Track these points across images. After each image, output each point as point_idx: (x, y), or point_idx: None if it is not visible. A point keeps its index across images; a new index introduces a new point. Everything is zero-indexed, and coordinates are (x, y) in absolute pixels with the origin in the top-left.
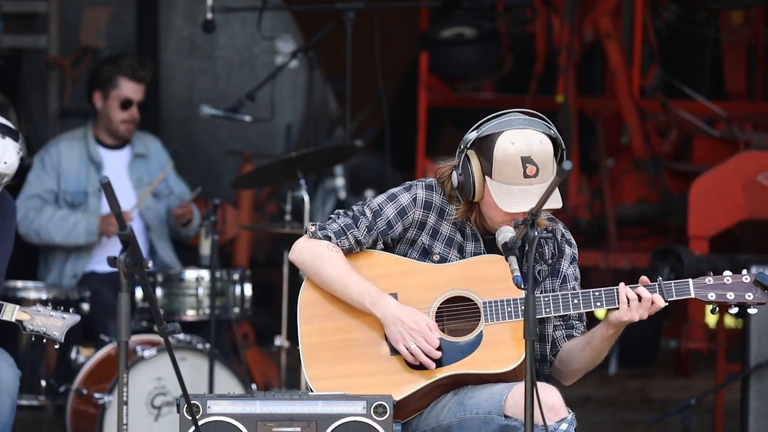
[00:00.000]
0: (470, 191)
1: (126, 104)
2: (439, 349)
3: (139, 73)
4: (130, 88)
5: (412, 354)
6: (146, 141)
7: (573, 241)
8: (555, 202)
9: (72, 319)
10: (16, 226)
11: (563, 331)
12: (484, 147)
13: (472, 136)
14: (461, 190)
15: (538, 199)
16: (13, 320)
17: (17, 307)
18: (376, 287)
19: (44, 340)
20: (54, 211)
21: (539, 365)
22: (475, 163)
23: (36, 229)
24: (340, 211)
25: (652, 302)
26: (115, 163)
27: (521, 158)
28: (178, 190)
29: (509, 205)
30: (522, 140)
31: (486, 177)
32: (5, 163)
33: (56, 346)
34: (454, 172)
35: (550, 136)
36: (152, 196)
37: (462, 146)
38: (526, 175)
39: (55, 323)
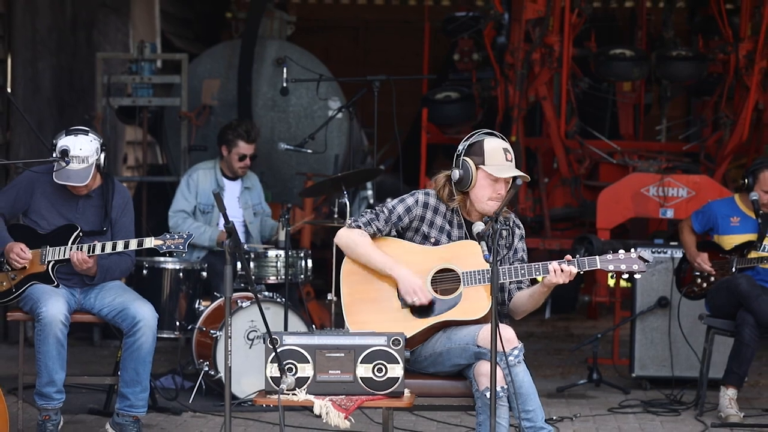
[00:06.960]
0: (468, 180)
1: (242, 158)
2: (433, 303)
3: (251, 136)
4: (245, 147)
5: (415, 303)
6: (252, 178)
7: (521, 224)
8: (526, 177)
9: (188, 237)
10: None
11: (516, 285)
12: (474, 149)
13: (462, 146)
14: (459, 183)
15: (515, 171)
16: (153, 246)
17: (153, 237)
18: (392, 259)
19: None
20: (192, 222)
21: (501, 307)
22: (470, 161)
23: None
24: (368, 209)
25: (570, 272)
26: (232, 190)
27: (503, 149)
28: (267, 210)
29: (501, 173)
30: (500, 140)
31: (479, 167)
32: (80, 149)
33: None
34: (453, 171)
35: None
36: (253, 214)
37: (459, 152)
38: (507, 159)
39: (178, 242)
